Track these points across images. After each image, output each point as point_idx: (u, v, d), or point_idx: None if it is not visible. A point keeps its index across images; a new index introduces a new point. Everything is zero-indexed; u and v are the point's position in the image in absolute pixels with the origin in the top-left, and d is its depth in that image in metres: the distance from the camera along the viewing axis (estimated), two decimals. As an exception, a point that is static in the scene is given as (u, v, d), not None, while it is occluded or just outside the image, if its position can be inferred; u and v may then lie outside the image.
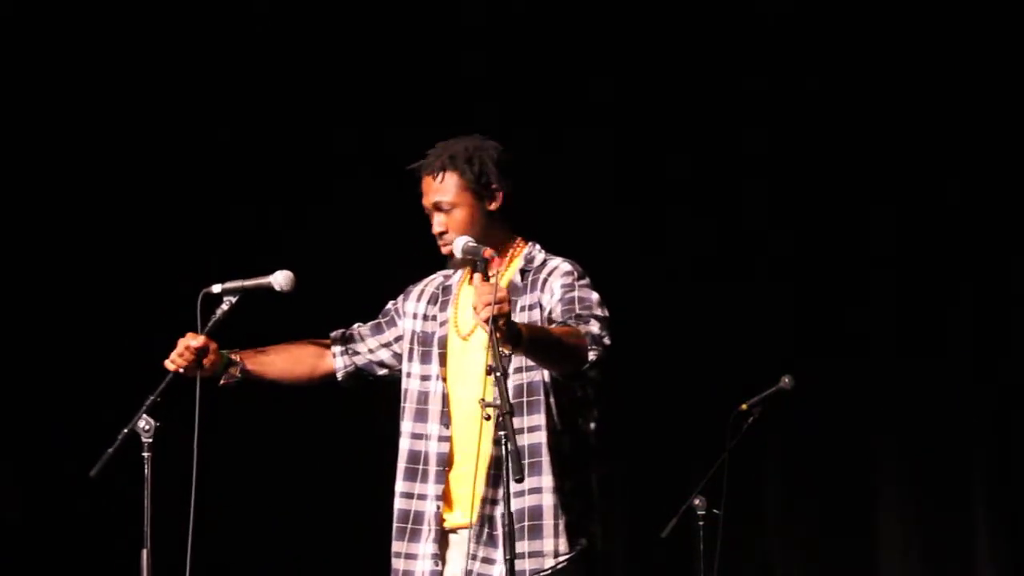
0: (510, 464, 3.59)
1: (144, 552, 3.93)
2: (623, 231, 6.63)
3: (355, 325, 4.37)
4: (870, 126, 6.48)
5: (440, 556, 4.02)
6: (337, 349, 4.34)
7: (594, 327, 3.91)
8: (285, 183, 6.79)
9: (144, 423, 3.94)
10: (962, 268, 6.37)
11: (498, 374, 3.64)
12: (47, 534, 6.42)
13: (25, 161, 6.57)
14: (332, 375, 4.35)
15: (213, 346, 4.13)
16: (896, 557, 6.40)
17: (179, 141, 6.70)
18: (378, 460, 6.59)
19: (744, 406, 5.71)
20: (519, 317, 3.97)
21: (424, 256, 4.26)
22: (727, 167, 6.63)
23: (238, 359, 4.23)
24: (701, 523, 5.68)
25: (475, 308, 3.65)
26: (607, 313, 3.97)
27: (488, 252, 3.81)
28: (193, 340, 4.08)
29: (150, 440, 3.95)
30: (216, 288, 4.15)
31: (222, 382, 4.23)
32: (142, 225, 6.66)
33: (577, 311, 3.95)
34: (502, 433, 3.61)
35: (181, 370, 4.06)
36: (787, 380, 5.69)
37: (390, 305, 4.34)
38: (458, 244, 3.90)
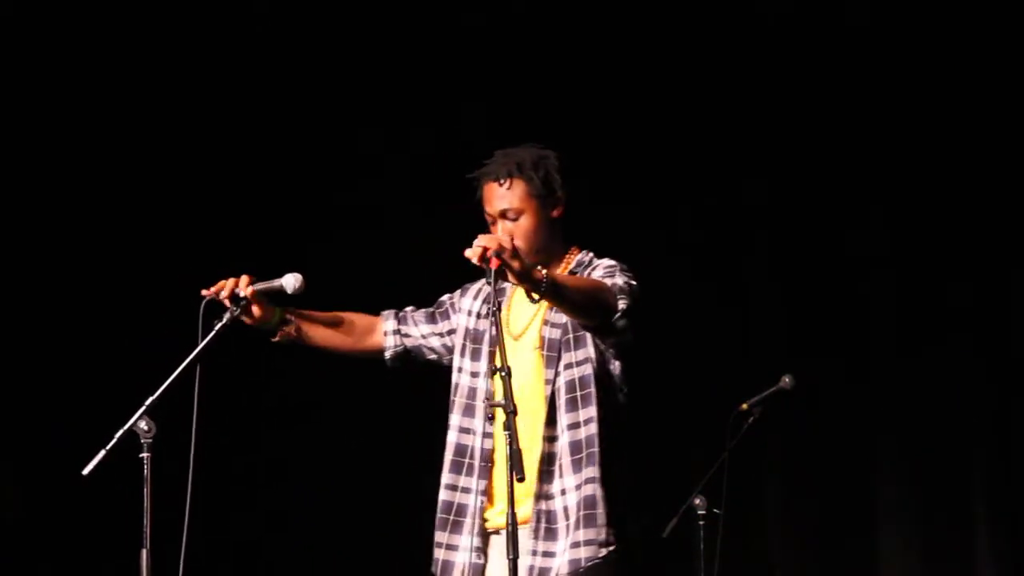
0: (512, 464, 3.62)
1: (144, 552, 3.93)
2: (622, 231, 6.63)
3: (407, 308, 4.41)
4: (871, 126, 6.48)
5: (483, 550, 4.07)
6: (389, 327, 4.39)
7: (620, 280, 4.01)
8: (287, 184, 6.80)
9: (144, 424, 3.94)
10: (962, 268, 6.37)
11: (503, 374, 3.68)
12: (47, 534, 6.41)
13: (27, 162, 6.57)
14: (378, 352, 4.40)
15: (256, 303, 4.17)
16: (896, 557, 6.40)
17: (183, 142, 6.70)
18: (376, 459, 6.64)
19: (744, 406, 5.71)
20: (562, 315, 4.05)
21: (430, 258, 4.27)
22: (727, 166, 6.63)
23: (292, 318, 4.28)
24: (701, 523, 5.68)
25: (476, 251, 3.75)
26: (637, 288, 4.04)
27: (495, 263, 3.81)
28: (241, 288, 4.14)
29: (150, 440, 3.95)
30: (222, 293, 4.14)
31: (276, 338, 4.29)
32: (143, 225, 6.66)
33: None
34: (507, 432, 3.66)
35: (219, 296, 4.12)
36: (787, 380, 5.70)
37: (445, 298, 4.40)
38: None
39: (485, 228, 4.18)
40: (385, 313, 4.41)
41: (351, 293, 6.64)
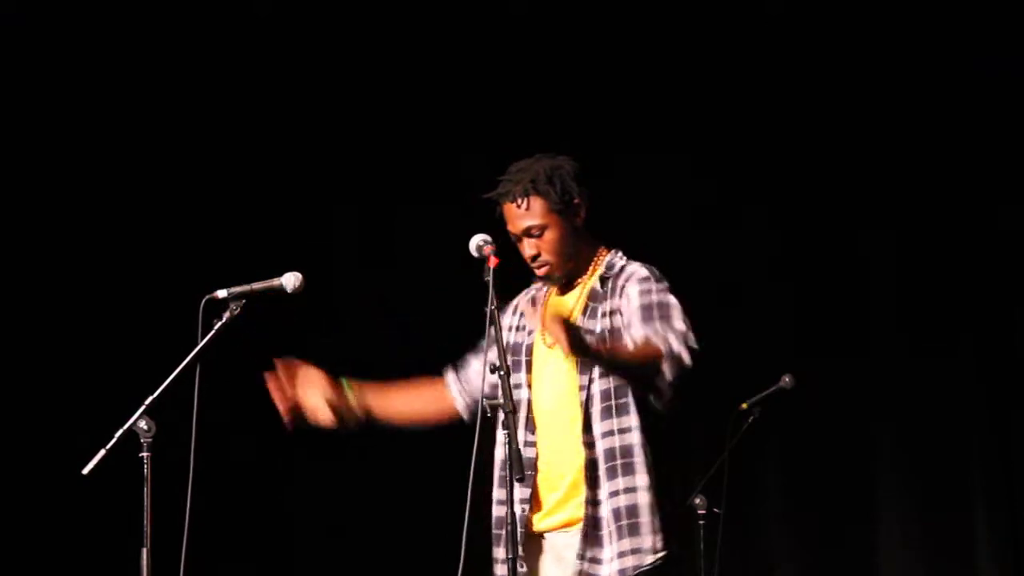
0: (511, 464, 3.63)
1: (144, 552, 3.94)
2: (621, 231, 6.62)
3: (467, 355, 4.37)
4: (873, 127, 6.48)
5: (524, 559, 4.05)
6: (454, 388, 4.36)
7: (673, 341, 3.98)
8: (287, 184, 6.80)
9: (145, 423, 3.95)
10: (962, 266, 6.36)
11: (501, 373, 3.69)
12: (47, 534, 6.41)
13: (29, 163, 6.57)
14: (455, 417, 4.36)
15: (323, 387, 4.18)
16: (896, 557, 6.41)
17: (183, 143, 6.71)
18: (379, 458, 6.65)
19: (744, 406, 5.71)
20: (600, 323, 4.06)
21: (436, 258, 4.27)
22: (726, 165, 6.63)
23: (361, 400, 4.26)
24: (701, 523, 5.69)
25: (542, 325, 3.83)
26: (687, 324, 4.04)
27: (493, 261, 3.86)
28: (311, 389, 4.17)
29: (150, 440, 3.96)
30: (221, 293, 4.15)
31: (346, 427, 4.28)
32: (144, 225, 6.66)
33: (656, 321, 4.01)
34: (505, 432, 3.65)
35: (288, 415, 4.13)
36: (787, 380, 5.70)
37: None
38: (473, 243, 3.94)
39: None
40: (447, 376, 4.37)
41: (353, 293, 6.68)
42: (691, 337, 4.02)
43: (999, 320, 6.32)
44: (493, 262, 3.80)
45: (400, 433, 6.31)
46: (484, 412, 3.81)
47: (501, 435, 4.08)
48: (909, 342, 6.43)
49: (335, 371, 4.32)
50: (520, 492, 4.06)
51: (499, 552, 4.10)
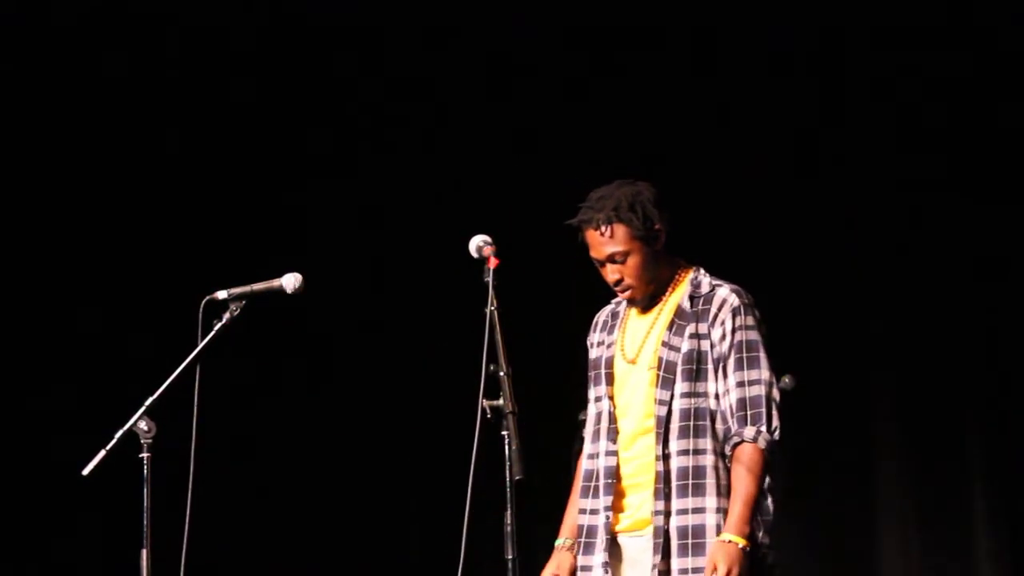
0: (512, 464, 3.66)
1: (144, 552, 3.95)
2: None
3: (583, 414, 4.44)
4: (871, 122, 6.48)
5: (609, 563, 4.14)
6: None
7: (763, 430, 4.12)
8: (285, 184, 6.81)
9: (145, 424, 3.96)
10: (960, 256, 6.36)
11: (501, 373, 3.72)
12: (47, 534, 6.41)
13: (27, 162, 6.58)
14: None
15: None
16: (897, 557, 6.41)
17: (181, 142, 6.71)
18: (379, 457, 6.64)
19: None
20: (687, 343, 4.13)
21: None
22: (723, 166, 6.63)
23: (569, 544, 4.27)
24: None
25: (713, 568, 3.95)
26: (771, 373, 4.19)
27: (489, 254, 3.92)
28: None
29: (150, 441, 3.97)
30: (222, 294, 4.16)
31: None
32: (144, 225, 6.67)
33: (749, 404, 4.13)
34: (505, 433, 3.71)
35: None
36: (787, 380, 5.69)
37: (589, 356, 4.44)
38: (473, 243, 4.01)
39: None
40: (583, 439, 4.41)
41: (353, 293, 6.68)
42: (775, 420, 4.17)
43: (1002, 318, 6.32)
44: (493, 263, 3.84)
45: (403, 435, 6.32)
46: (484, 413, 3.83)
47: (588, 446, 4.23)
48: (908, 340, 6.43)
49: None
50: (603, 500, 4.15)
51: (580, 559, 4.19)
